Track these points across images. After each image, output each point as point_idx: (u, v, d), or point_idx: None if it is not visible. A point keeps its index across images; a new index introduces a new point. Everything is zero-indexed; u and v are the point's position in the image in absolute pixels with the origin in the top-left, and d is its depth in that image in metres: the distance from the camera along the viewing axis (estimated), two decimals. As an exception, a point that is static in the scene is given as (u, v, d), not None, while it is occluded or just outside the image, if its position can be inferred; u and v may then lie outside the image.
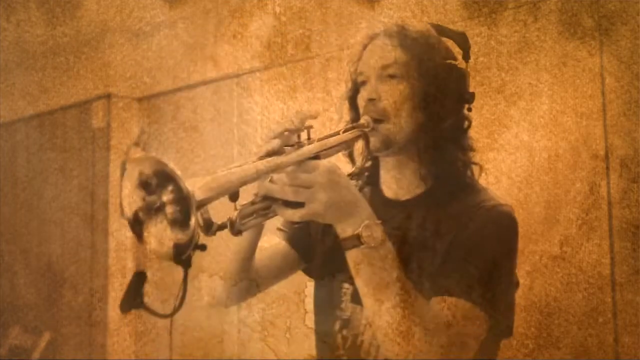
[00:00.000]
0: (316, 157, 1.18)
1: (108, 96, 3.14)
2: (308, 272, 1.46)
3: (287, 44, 2.62)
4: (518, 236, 1.26)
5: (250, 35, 2.71)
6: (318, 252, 1.40)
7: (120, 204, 1.05)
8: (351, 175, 1.32)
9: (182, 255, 1.02)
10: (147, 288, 1.09)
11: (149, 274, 1.12)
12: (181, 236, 1.01)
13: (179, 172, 0.99)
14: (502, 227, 1.25)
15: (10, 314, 3.22)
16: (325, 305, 1.37)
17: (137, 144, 3.19)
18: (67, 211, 3.21)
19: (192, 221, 0.99)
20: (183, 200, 0.99)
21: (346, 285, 1.32)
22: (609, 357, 1.99)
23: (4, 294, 3.28)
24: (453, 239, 1.22)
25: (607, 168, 2.04)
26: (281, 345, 2.37)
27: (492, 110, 2.20)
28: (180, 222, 1.01)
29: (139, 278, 1.11)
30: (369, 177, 1.40)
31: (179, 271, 1.09)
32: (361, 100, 1.33)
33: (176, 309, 1.08)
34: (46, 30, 2.94)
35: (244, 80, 2.78)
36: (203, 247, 1.03)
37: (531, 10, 2.17)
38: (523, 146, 2.15)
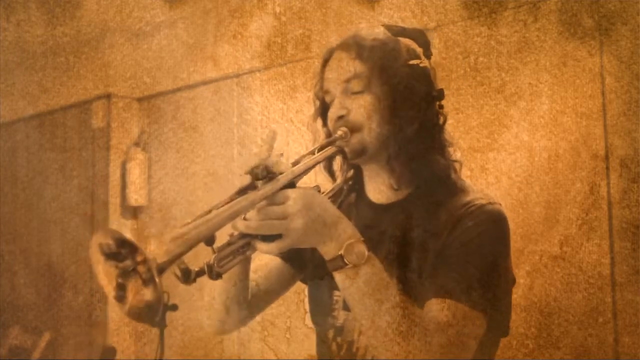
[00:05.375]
0: (291, 184, 1.16)
1: (108, 96, 3.13)
2: (303, 280, 1.46)
3: (287, 44, 2.62)
4: (510, 234, 1.25)
5: (250, 35, 2.71)
6: (309, 260, 1.39)
7: (103, 288, 1.06)
8: (332, 192, 1.31)
9: (155, 316, 1.03)
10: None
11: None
12: (154, 295, 1.01)
13: (133, 240, 1.01)
14: (498, 226, 1.23)
15: (10, 314, 3.22)
16: (319, 312, 1.36)
17: (137, 144, 3.18)
18: (67, 211, 3.21)
19: (157, 284, 0.99)
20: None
21: (337, 292, 1.31)
22: (609, 357, 1.99)
23: (4, 294, 3.28)
24: (448, 240, 1.21)
25: (607, 168, 2.04)
26: (281, 345, 2.37)
27: (492, 110, 2.20)
28: (154, 280, 1.01)
29: (109, 353, 1.13)
30: (353, 185, 1.38)
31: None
32: (331, 119, 1.31)
33: None
34: (46, 30, 2.93)
35: (244, 80, 2.78)
36: (174, 308, 1.05)
37: (531, 10, 2.17)
38: (523, 146, 2.15)
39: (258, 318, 2.44)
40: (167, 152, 3.07)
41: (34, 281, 3.25)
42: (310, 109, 1.37)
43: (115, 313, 2.98)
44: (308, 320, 1.41)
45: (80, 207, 3.19)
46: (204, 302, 1.36)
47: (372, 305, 1.13)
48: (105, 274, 1.05)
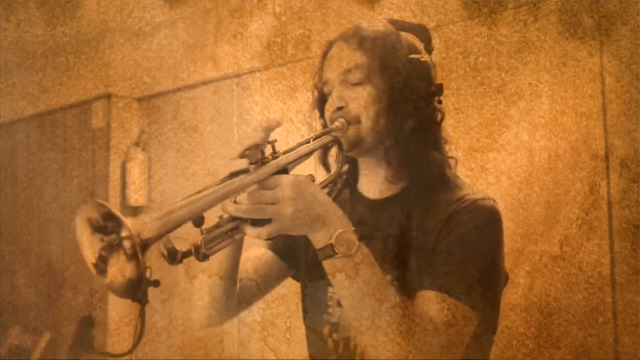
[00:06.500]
0: (283, 170, 1.15)
1: (108, 96, 3.13)
2: (296, 277, 1.45)
3: (287, 43, 2.61)
4: (503, 230, 1.24)
5: (250, 35, 2.70)
6: (302, 257, 1.39)
7: (84, 256, 1.05)
8: (326, 182, 1.30)
9: (137, 292, 1.02)
10: (96, 331, 1.10)
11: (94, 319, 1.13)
12: (136, 271, 1.01)
13: (119, 214, 1.00)
14: (492, 221, 1.23)
15: (10, 314, 3.22)
16: (314, 309, 1.35)
17: (137, 144, 3.18)
18: (67, 211, 3.20)
19: (140, 259, 0.99)
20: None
21: (331, 289, 1.31)
22: (609, 357, 1.98)
23: (4, 294, 3.27)
24: (441, 235, 1.20)
25: (607, 168, 2.03)
26: (281, 345, 2.37)
27: (492, 110, 2.19)
28: (137, 257, 1.00)
29: (87, 323, 1.12)
30: (348, 180, 1.38)
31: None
32: (328, 110, 1.31)
33: (134, 346, 1.08)
34: (46, 30, 2.93)
35: (244, 80, 2.77)
36: (156, 283, 1.02)
37: (531, 10, 2.16)
38: (523, 146, 2.14)
39: (258, 318, 2.44)
40: (167, 152, 3.06)
41: (34, 281, 3.25)
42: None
43: (115, 313, 2.98)
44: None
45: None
46: (204, 301, 1.35)
47: (372, 305, 1.13)
48: (89, 245, 1.04)
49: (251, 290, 1.40)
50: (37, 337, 3.14)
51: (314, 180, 1.20)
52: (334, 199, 1.24)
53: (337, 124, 1.28)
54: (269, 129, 1.16)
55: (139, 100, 3.18)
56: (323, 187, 1.28)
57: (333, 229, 1.13)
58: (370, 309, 1.13)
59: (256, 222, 1.12)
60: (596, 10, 2.05)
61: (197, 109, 2.91)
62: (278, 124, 1.17)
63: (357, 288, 1.13)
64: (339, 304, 1.29)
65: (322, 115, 1.35)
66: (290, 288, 1.46)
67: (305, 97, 2.40)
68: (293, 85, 2.54)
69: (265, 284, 1.42)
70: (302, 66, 2.54)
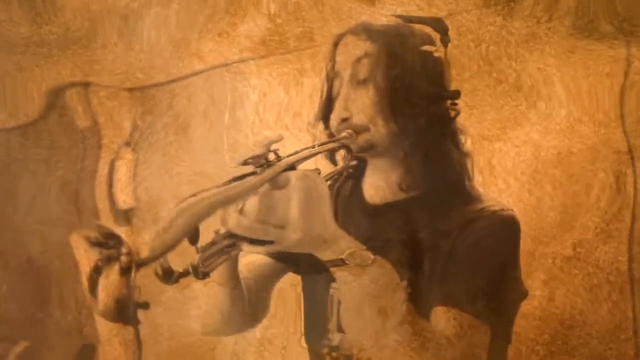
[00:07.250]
0: (291, 168, 1.09)
1: (86, 84, 3.04)
2: (296, 271, 1.42)
3: (288, 40, 2.55)
4: (520, 241, 1.23)
5: (239, 34, 2.63)
6: (303, 259, 1.35)
7: (79, 268, 0.98)
8: (331, 175, 1.28)
9: (125, 314, 0.94)
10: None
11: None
12: (124, 290, 0.93)
13: (117, 232, 0.94)
14: (510, 229, 1.22)
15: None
16: (315, 309, 1.33)
17: (128, 144, 3.12)
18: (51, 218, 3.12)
19: (132, 279, 0.92)
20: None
21: (334, 285, 1.27)
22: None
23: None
24: (458, 241, 1.18)
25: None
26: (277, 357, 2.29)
27: (511, 110, 2.10)
28: (129, 274, 0.93)
29: (87, 351, 1.08)
30: (352, 174, 1.36)
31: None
32: (334, 120, 1.28)
33: None
34: (31, 28, 2.85)
35: (236, 66, 2.67)
36: (145, 306, 0.95)
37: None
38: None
39: (258, 335, 2.39)
40: (161, 150, 2.99)
41: (15, 277, 3.15)
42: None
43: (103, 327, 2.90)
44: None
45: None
46: (200, 310, 1.30)
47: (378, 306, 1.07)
48: (86, 257, 0.96)
49: (251, 290, 1.35)
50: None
51: (319, 174, 1.13)
52: (337, 191, 1.28)
53: (344, 134, 1.25)
54: (269, 145, 1.08)
55: (130, 90, 3.10)
56: (327, 180, 1.26)
57: (341, 249, 1.06)
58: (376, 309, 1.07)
59: (255, 241, 1.01)
60: (615, 14, 1.97)
61: (191, 97, 2.85)
62: (278, 139, 1.10)
63: (359, 284, 1.07)
64: (340, 329, 1.26)
65: (326, 127, 1.32)
66: (289, 308, 1.42)
67: (311, 96, 2.33)
68: (301, 69, 2.47)
69: (261, 282, 1.39)
70: (308, 53, 2.46)
